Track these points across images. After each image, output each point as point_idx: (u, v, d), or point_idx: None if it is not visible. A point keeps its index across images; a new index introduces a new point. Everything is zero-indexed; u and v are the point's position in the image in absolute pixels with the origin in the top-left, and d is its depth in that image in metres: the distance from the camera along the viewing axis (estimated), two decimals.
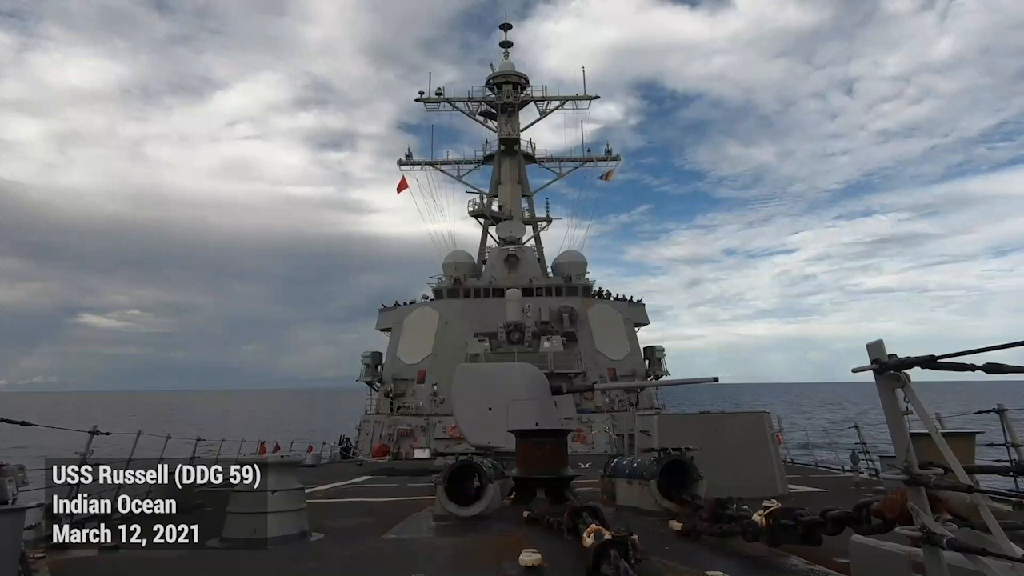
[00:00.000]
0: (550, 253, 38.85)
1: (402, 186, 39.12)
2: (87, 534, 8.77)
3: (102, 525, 9.73)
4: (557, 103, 40.00)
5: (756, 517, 5.55)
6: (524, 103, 39.79)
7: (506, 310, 30.82)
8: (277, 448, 23.82)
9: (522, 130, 40.01)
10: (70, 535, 8.31)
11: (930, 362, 3.00)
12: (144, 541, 7.87)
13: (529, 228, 39.22)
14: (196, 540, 7.60)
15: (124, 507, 10.48)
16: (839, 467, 16.92)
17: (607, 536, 4.67)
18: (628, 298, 35.26)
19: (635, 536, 4.70)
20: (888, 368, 3.14)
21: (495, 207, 38.15)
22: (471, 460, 8.76)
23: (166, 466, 12.52)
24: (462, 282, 34.00)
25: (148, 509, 10.76)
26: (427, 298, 34.31)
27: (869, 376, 3.26)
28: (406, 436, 28.42)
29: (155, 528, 9.05)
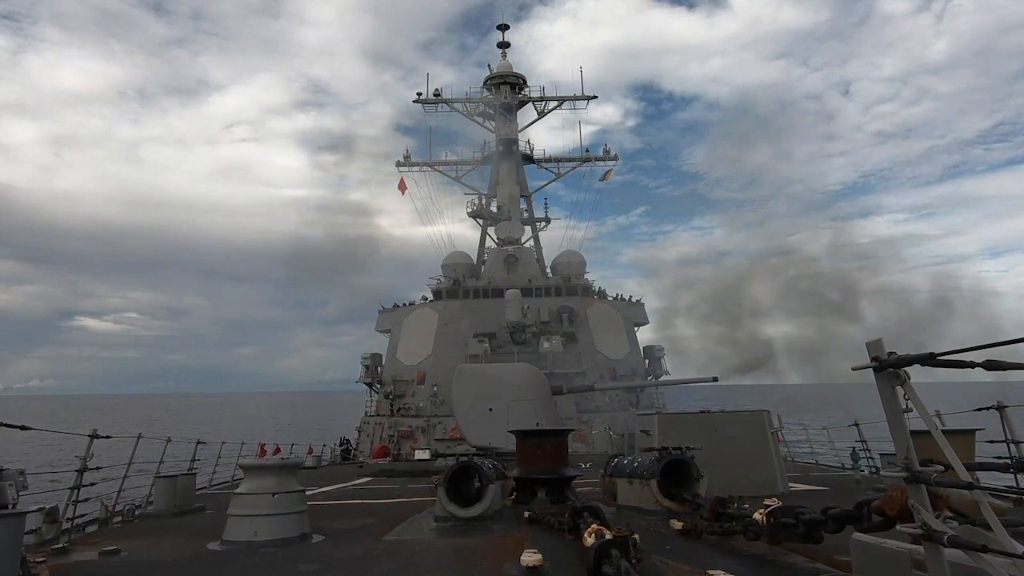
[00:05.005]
0: (549, 254, 38.92)
1: (402, 187, 39.19)
2: (88, 538, 8.77)
3: (103, 528, 9.75)
4: (555, 103, 40.07)
5: (757, 516, 5.54)
6: (522, 103, 39.83)
7: (506, 310, 30.82)
8: (277, 450, 23.83)
9: (520, 131, 40.04)
10: (71, 539, 8.32)
11: (930, 359, 3.00)
12: (145, 544, 7.87)
13: (528, 228, 39.24)
14: (197, 543, 7.60)
15: (125, 510, 10.51)
16: (839, 465, 16.93)
17: (608, 536, 4.66)
18: (627, 298, 35.29)
19: (636, 535, 4.70)
20: (887, 366, 3.13)
21: (494, 208, 38.17)
22: (471, 461, 8.76)
23: (167, 469, 12.53)
24: (461, 283, 34.01)
25: (148, 512, 10.79)
26: (426, 299, 34.31)
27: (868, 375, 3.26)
28: (406, 437, 28.43)
29: (156, 531, 9.05)
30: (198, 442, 14.86)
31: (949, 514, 3.52)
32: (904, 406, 3.24)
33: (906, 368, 3.12)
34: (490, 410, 16.70)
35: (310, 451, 25.31)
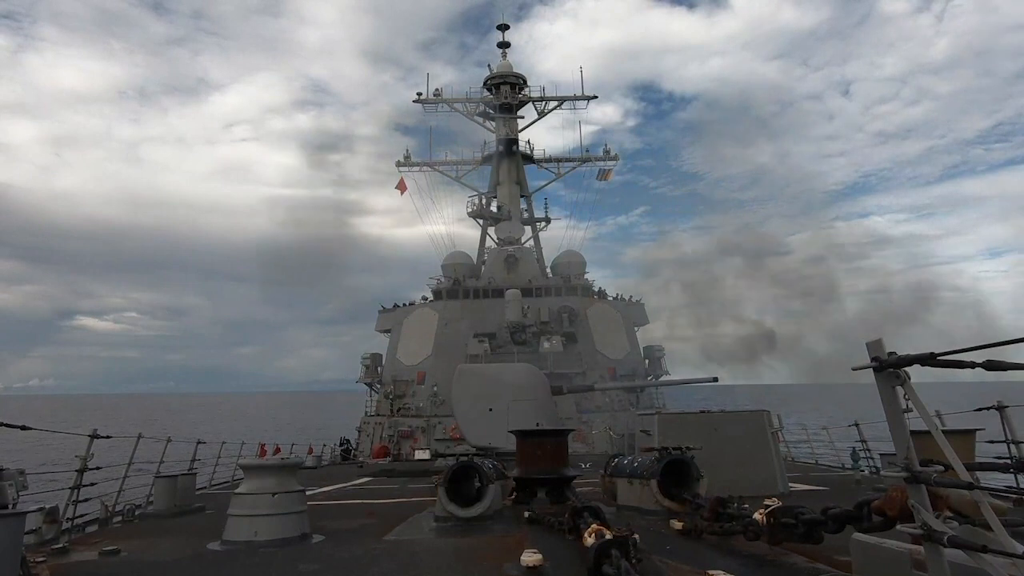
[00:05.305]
0: (549, 254, 38.92)
1: (402, 187, 39.19)
2: (88, 538, 8.77)
3: (103, 528, 9.74)
4: (555, 103, 40.04)
5: (757, 516, 5.54)
6: (522, 103, 39.80)
7: (506, 310, 30.80)
8: (277, 450, 23.83)
9: (520, 131, 40.03)
10: (71, 539, 8.32)
11: (930, 359, 3.00)
12: (145, 544, 7.87)
13: (528, 228, 39.23)
14: (197, 543, 7.60)
15: (125, 510, 10.51)
16: (839, 465, 16.93)
17: (608, 536, 4.66)
18: (628, 298, 35.29)
19: (636, 535, 4.70)
20: (888, 366, 3.13)
21: (494, 208, 38.14)
22: (472, 461, 8.76)
23: (167, 469, 12.51)
24: (461, 283, 33.99)
25: (148, 512, 10.79)
26: (426, 299, 34.31)
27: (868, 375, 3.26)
28: (406, 437, 28.42)
29: (156, 531, 9.05)
30: (198, 442, 14.86)
31: (949, 514, 3.52)
32: (904, 406, 3.24)
33: (906, 368, 3.12)
34: (490, 410, 16.71)
35: (310, 451, 25.32)
